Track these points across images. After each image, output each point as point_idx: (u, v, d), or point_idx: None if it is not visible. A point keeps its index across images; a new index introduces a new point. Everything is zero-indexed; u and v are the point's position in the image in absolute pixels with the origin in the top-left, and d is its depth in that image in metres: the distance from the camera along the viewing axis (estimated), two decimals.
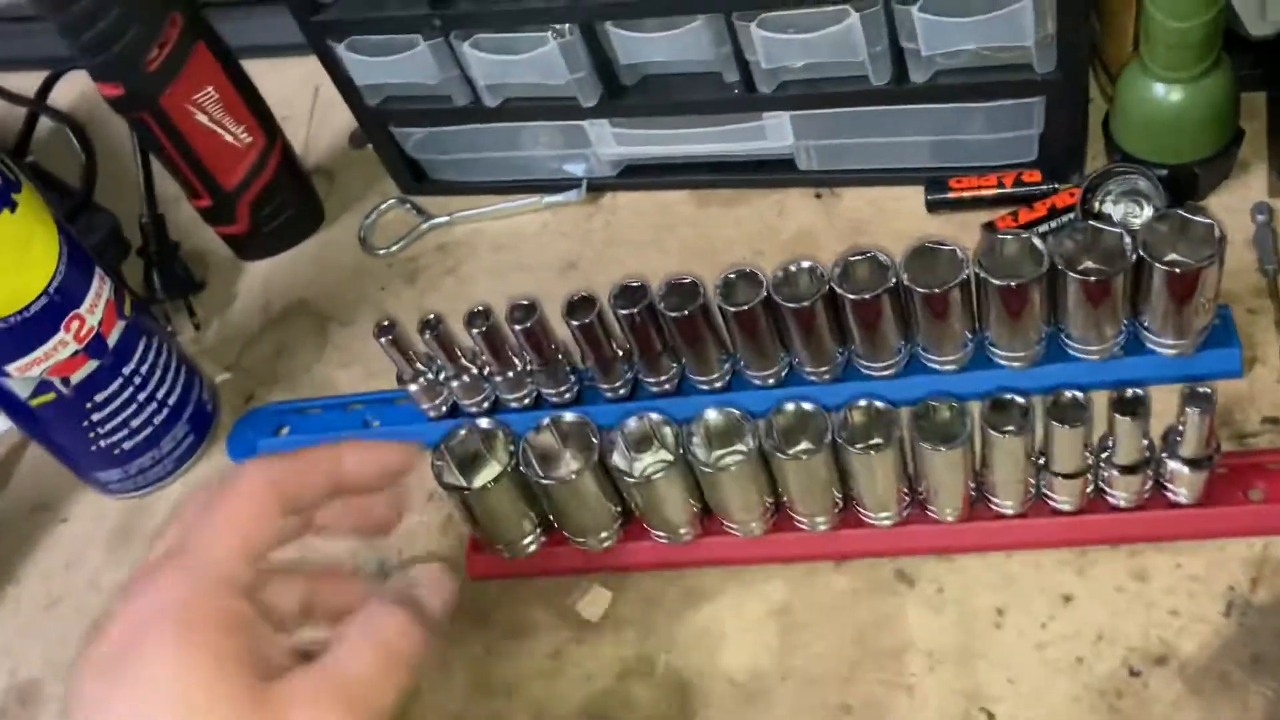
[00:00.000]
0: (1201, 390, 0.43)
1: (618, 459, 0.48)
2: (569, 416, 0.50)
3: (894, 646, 0.48)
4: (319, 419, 0.62)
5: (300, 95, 0.81)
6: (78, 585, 0.60)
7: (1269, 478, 0.47)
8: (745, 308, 0.51)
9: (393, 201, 0.71)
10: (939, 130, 0.59)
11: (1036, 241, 0.48)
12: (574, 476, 0.48)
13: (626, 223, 0.66)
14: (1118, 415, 0.44)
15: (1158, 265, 0.47)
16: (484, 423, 0.50)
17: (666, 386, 0.56)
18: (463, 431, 0.50)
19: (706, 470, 0.47)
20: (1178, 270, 0.47)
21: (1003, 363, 0.52)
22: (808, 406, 0.47)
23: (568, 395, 0.57)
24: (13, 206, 0.52)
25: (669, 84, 0.61)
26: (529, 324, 0.53)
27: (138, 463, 0.61)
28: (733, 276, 0.51)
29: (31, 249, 0.53)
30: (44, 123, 0.78)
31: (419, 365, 0.57)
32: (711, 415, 0.48)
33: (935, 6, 0.52)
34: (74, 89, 0.79)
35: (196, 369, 0.63)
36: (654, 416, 0.49)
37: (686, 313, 0.51)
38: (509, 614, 0.53)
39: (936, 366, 0.53)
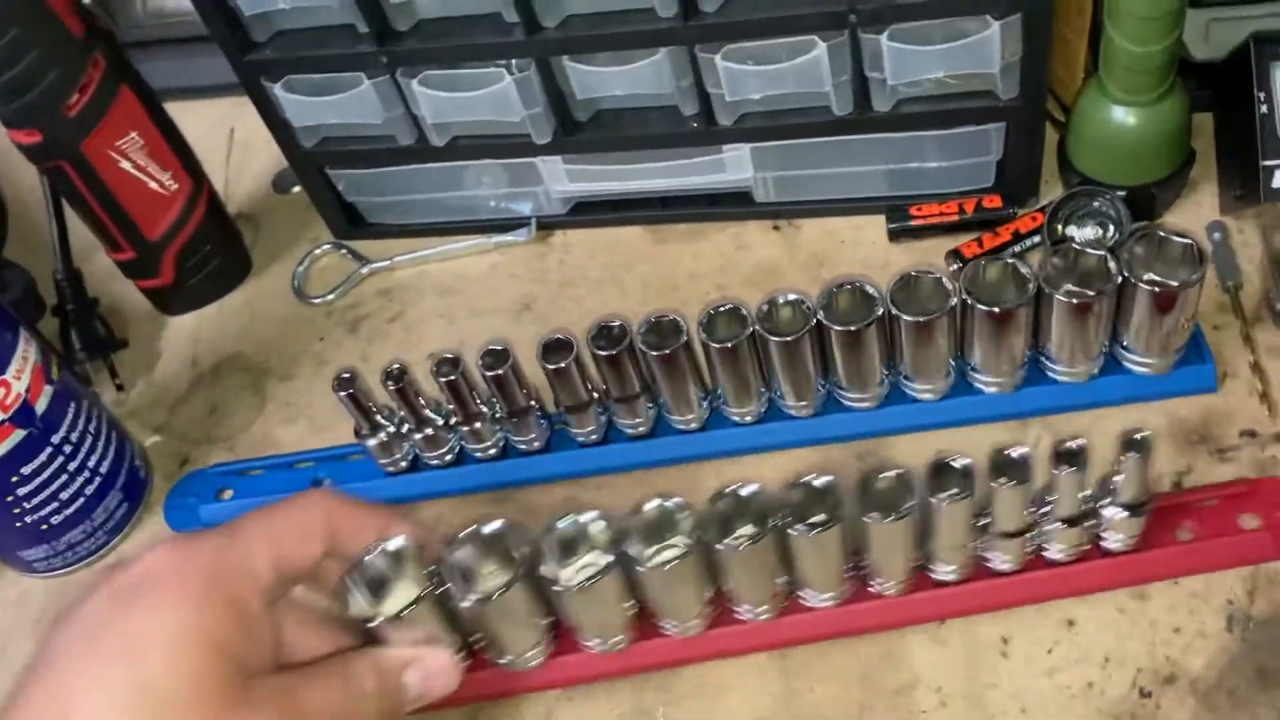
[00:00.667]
0: (1139, 435, 0.43)
1: (546, 568, 0.44)
2: (488, 528, 0.44)
3: (901, 684, 0.47)
4: (264, 480, 0.58)
5: (214, 139, 0.77)
6: (3, 677, 0.55)
7: (1196, 516, 0.47)
8: (730, 344, 0.49)
9: (327, 247, 0.68)
10: (897, 159, 0.59)
11: (1021, 265, 0.48)
12: (502, 592, 0.43)
13: (581, 261, 0.64)
14: (1062, 466, 0.42)
15: (1141, 285, 0.47)
16: (391, 544, 0.43)
17: (641, 429, 0.54)
18: (368, 556, 0.43)
19: (641, 570, 0.43)
20: (1161, 290, 0.47)
21: (985, 388, 0.52)
22: (745, 491, 0.43)
23: (537, 444, 0.55)
24: None
25: (623, 118, 0.60)
26: (501, 370, 0.51)
27: (67, 537, 0.56)
28: (715, 312, 0.50)
29: None
30: None
31: (379, 419, 0.54)
32: (647, 509, 0.44)
33: (903, 35, 0.52)
34: None
35: (126, 433, 0.59)
36: (584, 517, 0.44)
37: (669, 351, 0.50)
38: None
39: (918, 395, 0.52)
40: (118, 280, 0.67)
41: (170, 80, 0.71)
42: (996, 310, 0.48)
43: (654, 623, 0.47)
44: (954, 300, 0.48)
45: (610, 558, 0.44)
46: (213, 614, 0.37)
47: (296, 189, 0.72)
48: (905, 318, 0.48)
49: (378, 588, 0.43)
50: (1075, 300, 0.48)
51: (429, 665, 0.42)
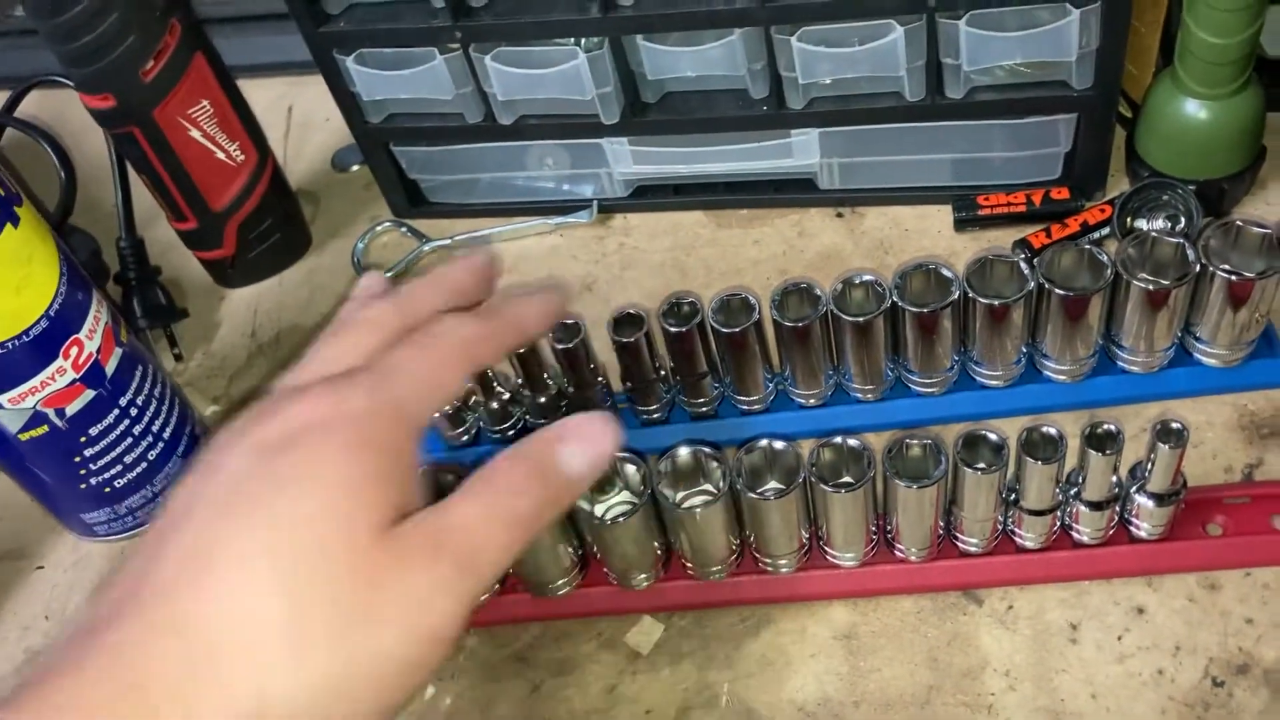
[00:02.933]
0: (1174, 426, 0.43)
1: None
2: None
3: (969, 667, 0.47)
4: None
5: (272, 117, 0.77)
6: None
7: (1227, 512, 0.47)
8: (803, 324, 0.49)
9: (387, 224, 0.68)
10: (964, 148, 0.59)
11: (1098, 252, 0.48)
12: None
13: (641, 244, 0.64)
14: (1090, 450, 0.43)
15: (1219, 274, 0.47)
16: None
17: (704, 409, 0.54)
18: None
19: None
20: (1238, 279, 0.47)
21: (1054, 376, 0.52)
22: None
23: None
24: (15, 221, 0.47)
25: (691, 100, 0.60)
26: (572, 344, 0.51)
27: (128, 501, 0.56)
28: (787, 291, 0.50)
29: (33, 268, 0.48)
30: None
31: None
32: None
33: (980, 21, 0.52)
34: (31, 109, 0.74)
35: (187, 401, 0.59)
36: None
37: (740, 329, 0.50)
38: (552, 652, 0.50)
39: (986, 382, 0.52)
40: (176, 252, 0.68)
41: (229, 58, 0.72)
42: (1073, 295, 0.48)
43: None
44: (1031, 285, 0.48)
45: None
46: (367, 463, 0.33)
47: (355, 167, 0.72)
48: (981, 301, 0.48)
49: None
50: (1153, 287, 0.47)
51: (583, 430, 0.36)
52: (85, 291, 0.52)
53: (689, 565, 0.48)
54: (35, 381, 0.50)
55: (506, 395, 0.54)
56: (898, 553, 0.48)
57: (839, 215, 0.63)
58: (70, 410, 0.52)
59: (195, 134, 0.60)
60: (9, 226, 0.47)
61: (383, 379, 0.36)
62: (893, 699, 0.46)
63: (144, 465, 0.56)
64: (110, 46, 0.55)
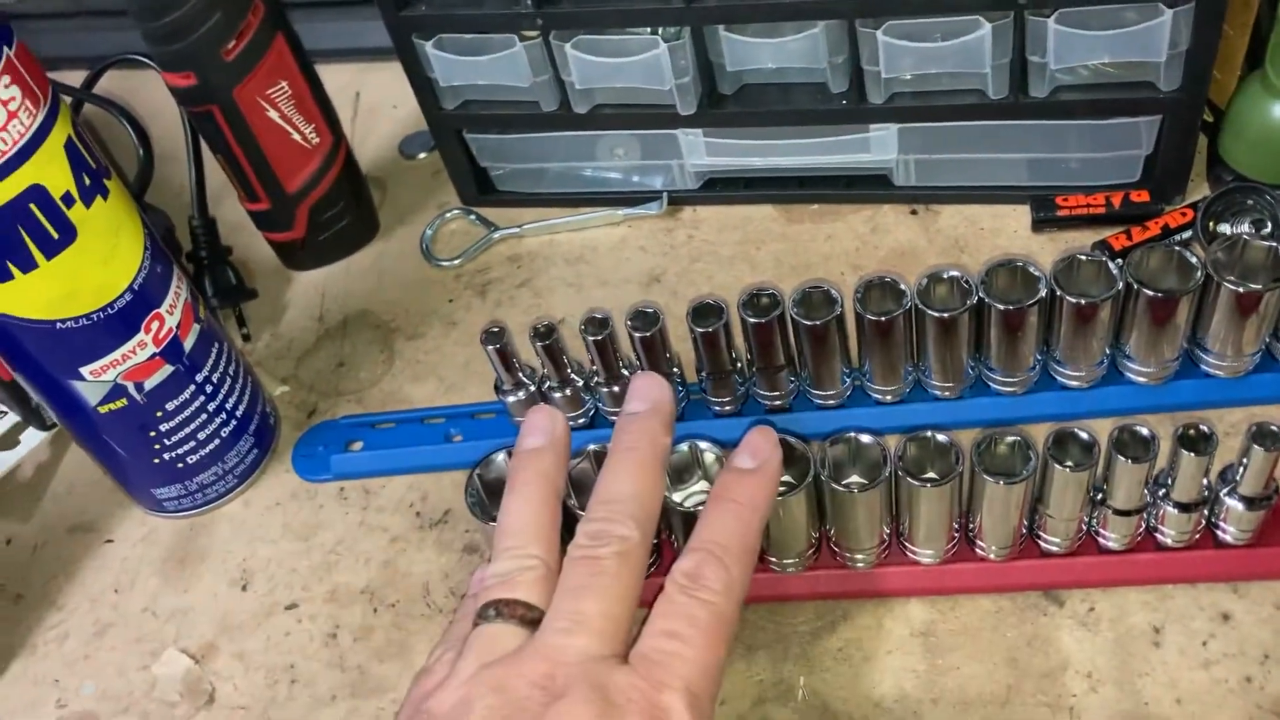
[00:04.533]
0: (1271, 428, 0.42)
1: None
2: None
3: (1050, 667, 0.46)
4: (394, 433, 0.59)
5: (338, 102, 0.76)
6: (131, 611, 0.55)
7: None
8: (886, 318, 0.49)
9: (455, 211, 0.68)
10: (1043, 148, 0.58)
11: (1187, 253, 0.48)
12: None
13: (710, 237, 0.64)
14: (1184, 451, 0.43)
15: None
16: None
17: (779, 403, 0.54)
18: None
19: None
20: None
21: (1136, 378, 0.51)
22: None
23: None
24: (105, 194, 0.48)
25: (768, 93, 0.60)
26: (649, 333, 0.51)
27: (200, 478, 0.56)
28: (870, 285, 0.50)
29: (120, 240, 0.49)
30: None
31: (521, 375, 0.54)
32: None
33: (1070, 19, 0.51)
34: (119, 90, 0.74)
35: (258, 380, 0.59)
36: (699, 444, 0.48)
37: (821, 323, 0.50)
38: None
39: (1068, 382, 0.52)
40: (243, 231, 0.68)
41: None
42: (1162, 296, 0.47)
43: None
44: (1119, 285, 0.47)
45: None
46: None
47: (423, 155, 0.72)
48: (1069, 299, 0.48)
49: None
50: (1244, 290, 0.47)
51: (750, 444, 0.43)
52: (166, 267, 0.52)
53: (767, 556, 0.48)
54: (117, 354, 0.50)
55: (580, 383, 0.54)
56: (978, 551, 0.48)
57: (913, 212, 0.62)
58: (149, 384, 0.52)
59: (273, 114, 0.60)
60: (99, 199, 0.47)
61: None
62: (971, 698, 0.46)
63: (216, 442, 0.56)
64: (195, 25, 0.55)
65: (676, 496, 0.47)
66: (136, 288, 0.49)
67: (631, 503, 0.41)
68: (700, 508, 0.45)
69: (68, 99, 0.50)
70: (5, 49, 0.43)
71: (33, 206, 0.45)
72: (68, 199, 0.46)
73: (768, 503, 0.43)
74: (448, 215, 0.68)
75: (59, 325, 0.48)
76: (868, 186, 0.62)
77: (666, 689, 0.37)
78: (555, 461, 0.44)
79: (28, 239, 0.45)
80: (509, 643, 0.39)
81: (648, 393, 0.45)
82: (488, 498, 0.48)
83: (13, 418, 0.61)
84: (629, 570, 0.40)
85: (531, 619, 0.39)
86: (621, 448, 0.43)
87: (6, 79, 0.43)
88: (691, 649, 0.38)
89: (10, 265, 0.45)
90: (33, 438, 0.62)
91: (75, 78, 0.71)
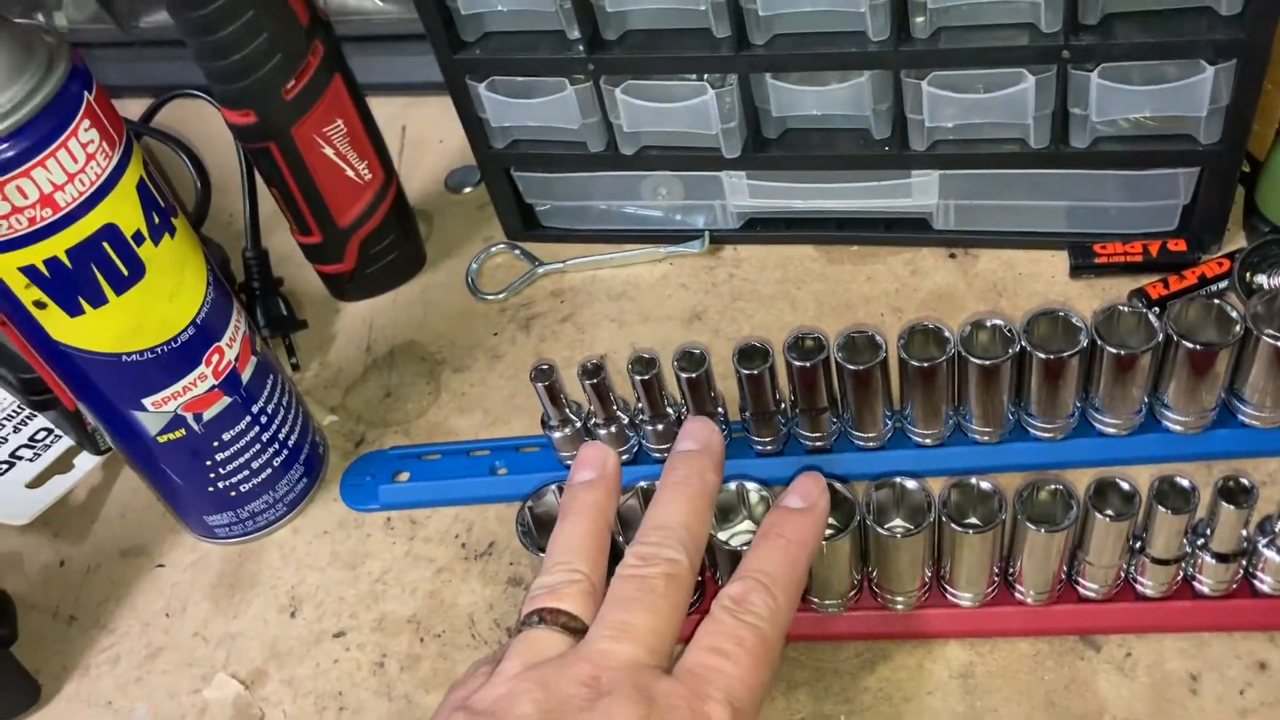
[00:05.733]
0: None
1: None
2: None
3: (1086, 712, 0.47)
4: (441, 464, 0.60)
5: (386, 136, 0.79)
6: (182, 635, 0.56)
7: None
8: (929, 364, 0.50)
9: (501, 246, 0.70)
10: (1082, 196, 0.59)
11: (1227, 306, 0.49)
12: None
13: (751, 276, 0.65)
14: (1223, 503, 0.44)
15: None
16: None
17: (820, 444, 0.55)
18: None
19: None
20: None
21: (1174, 427, 0.52)
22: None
23: None
24: (172, 232, 0.49)
25: (811, 138, 0.61)
26: (696, 374, 0.52)
27: (250, 506, 0.58)
28: (914, 331, 0.51)
29: (185, 276, 0.50)
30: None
31: (568, 412, 0.55)
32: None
33: (1112, 73, 0.53)
34: (168, 119, 0.76)
35: (308, 410, 0.61)
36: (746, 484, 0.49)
37: (865, 367, 0.51)
38: None
39: (1105, 429, 0.53)
40: (291, 262, 0.69)
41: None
42: (1201, 349, 0.48)
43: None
44: (1159, 336, 0.48)
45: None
46: None
47: (469, 189, 0.74)
48: (1109, 350, 0.49)
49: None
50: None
51: (800, 487, 0.45)
52: (227, 301, 0.54)
53: (810, 597, 0.49)
54: (178, 386, 0.52)
55: (625, 420, 0.55)
56: (1017, 594, 0.48)
57: (952, 256, 0.63)
58: (207, 415, 0.53)
59: (328, 151, 0.61)
60: (166, 236, 0.49)
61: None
62: None
63: (269, 471, 0.57)
64: (257, 65, 0.57)
65: (722, 535, 0.48)
66: (199, 322, 0.51)
67: (681, 530, 0.42)
68: (745, 547, 0.46)
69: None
70: (86, 94, 0.45)
71: (105, 244, 0.46)
72: (138, 237, 0.47)
73: (815, 540, 0.44)
74: (493, 250, 0.70)
75: (124, 358, 0.49)
76: (907, 230, 0.64)
77: (710, 700, 0.38)
78: (606, 494, 0.45)
79: (99, 276, 0.46)
80: (552, 647, 0.40)
81: (699, 434, 0.46)
82: (537, 530, 0.49)
83: (67, 442, 0.63)
84: (676, 591, 0.41)
85: (575, 628, 0.40)
86: (672, 481, 0.45)
87: (86, 123, 0.44)
88: (737, 666, 0.39)
89: (82, 300, 0.47)
90: (87, 461, 0.63)
91: (132, 106, 0.72)
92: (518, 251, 0.69)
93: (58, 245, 0.45)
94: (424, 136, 0.79)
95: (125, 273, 0.47)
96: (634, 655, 0.39)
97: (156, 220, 0.48)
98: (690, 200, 0.66)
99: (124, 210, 0.47)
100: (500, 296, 0.67)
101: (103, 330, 0.48)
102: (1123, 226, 0.60)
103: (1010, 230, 0.62)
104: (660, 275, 0.67)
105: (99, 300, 0.47)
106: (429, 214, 0.74)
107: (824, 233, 0.65)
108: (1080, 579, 0.48)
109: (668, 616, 0.40)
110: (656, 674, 0.38)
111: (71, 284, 0.46)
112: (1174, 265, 0.59)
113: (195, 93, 0.66)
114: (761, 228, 0.66)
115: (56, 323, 0.47)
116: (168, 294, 0.49)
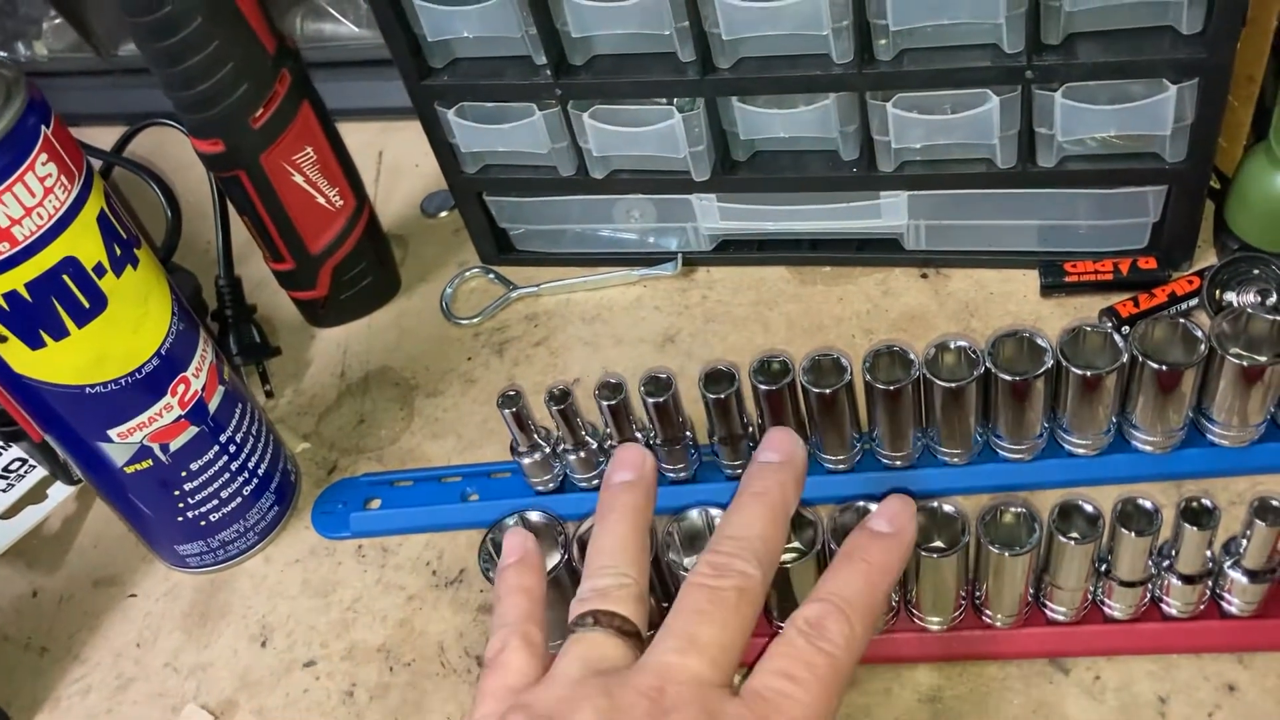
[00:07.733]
0: (1273, 503, 0.43)
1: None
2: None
3: None
4: (412, 491, 0.60)
5: (361, 161, 0.78)
6: (153, 666, 0.56)
7: None
8: (894, 387, 0.50)
9: (475, 270, 0.70)
10: (1052, 215, 0.59)
11: (1192, 326, 0.49)
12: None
13: (724, 298, 0.65)
14: (1185, 524, 0.43)
15: None
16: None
17: None
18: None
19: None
20: None
21: (1142, 447, 0.52)
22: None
23: (684, 474, 0.56)
24: (135, 263, 0.49)
25: (780, 160, 0.61)
26: (663, 398, 0.52)
27: (221, 535, 0.58)
28: (879, 354, 0.51)
29: (149, 307, 0.50)
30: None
31: (537, 438, 0.55)
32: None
33: (1076, 93, 0.53)
34: (144, 146, 0.76)
35: (279, 438, 0.61)
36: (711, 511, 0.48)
37: (831, 390, 0.51)
38: None
39: (1074, 450, 0.52)
40: (266, 289, 0.70)
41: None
42: (1167, 369, 0.48)
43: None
44: (1124, 357, 0.48)
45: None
46: None
47: (444, 213, 0.74)
48: (1074, 371, 0.49)
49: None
50: (1248, 364, 0.48)
51: (888, 510, 0.43)
52: (193, 331, 0.54)
53: (775, 622, 0.49)
54: (144, 417, 0.51)
55: (594, 445, 0.55)
56: (985, 618, 0.48)
57: (923, 276, 0.63)
58: (174, 445, 0.53)
59: (298, 179, 0.62)
60: (129, 268, 0.49)
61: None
62: None
63: (239, 500, 0.57)
64: (223, 94, 0.57)
65: (687, 562, 0.48)
66: (164, 353, 0.51)
67: (757, 542, 0.41)
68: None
69: (97, 164, 0.52)
70: (43, 127, 0.45)
71: (65, 278, 0.46)
72: (99, 269, 0.47)
73: (898, 568, 0.42)
74: (467, 274, 0.70)
75: (88, 390, 0.49)
76: (879, 250, 0.64)
77: None
78: (645, 496, 0.44)
79: (60, 309, 0.46)
80: (608, 650, 0.39)
81: (783, 446, 0.44)
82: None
83: (40, 472, 0.63)
84: (747, 606, 0.39)
85: (628, 631, 0.39)
86: (751, 491, 0.43)
87: (44, 156, 0.45)
88: (807, 694, 0.37)
89: (43, 334, 0.47)
90: (60, 492, 0.63)
91: (103, 134, 0.73)
92: (492, 275, 0.69)
93: (16, 279, 0.45)
94: (400, 161, 0.79)
95: (86, 305, 0.47)
96: (699, 671, 0.37)
97: (118, 252, 0.48)
98: (662, 223, 0.66)
99: (84, 243, 0.47)
100: (474, 321, 0.67)
101: (65, 362, 0.48)
102: (1093, 245, 0.60)
103: (981, 250, 0.62)
104: (634, 298, 0.67)
105: (60, 333, 0.47)
106: (404, 238, 0.74)
107: (796, 254, 0.65)
108: (1048, 602, 0.48)
109: (736, 633, 0.39)
110: (723, 695, 0.37)
111: (32, 317, 0.46)
112: (1145, 283, 0.58)
113: (169, 122, 0.66)
114: (734, 249, 0.66)
115: (17, 355, 0.47)
116: (131, 325, 0.49)
